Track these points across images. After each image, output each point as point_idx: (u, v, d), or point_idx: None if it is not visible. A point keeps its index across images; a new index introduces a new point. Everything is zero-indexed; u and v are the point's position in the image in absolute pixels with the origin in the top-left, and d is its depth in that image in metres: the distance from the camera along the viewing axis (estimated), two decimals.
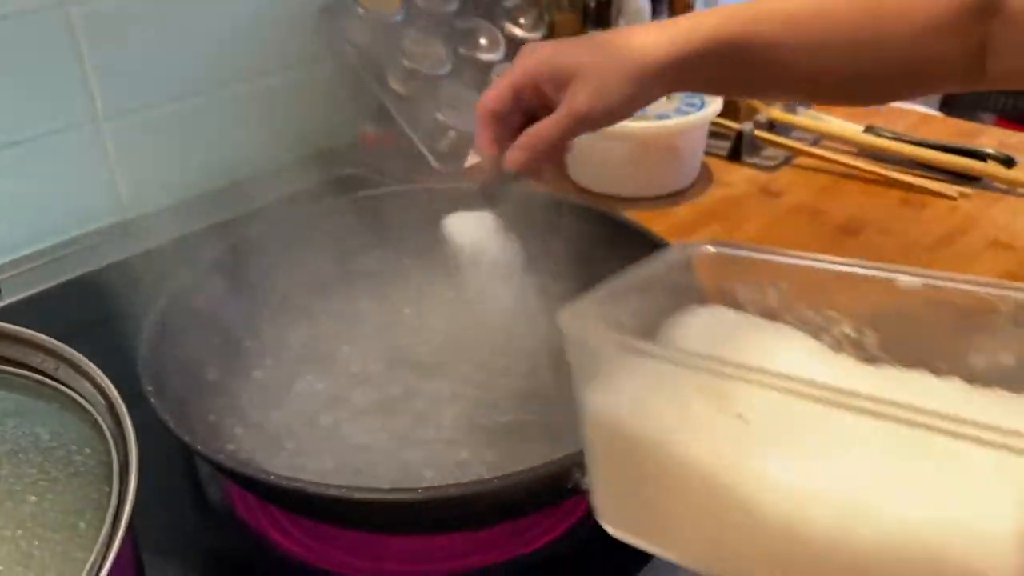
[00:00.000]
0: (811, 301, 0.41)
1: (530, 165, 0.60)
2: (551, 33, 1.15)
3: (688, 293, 0.42)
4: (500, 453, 0.59)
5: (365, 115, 1.04)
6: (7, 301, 0.81)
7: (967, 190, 0.97)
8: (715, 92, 0.73)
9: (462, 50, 1.04)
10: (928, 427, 0.29)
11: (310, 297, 0.72)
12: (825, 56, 0.58)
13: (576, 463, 0.49)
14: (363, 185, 0.93)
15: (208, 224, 0.86)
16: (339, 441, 0.61)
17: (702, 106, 0.96)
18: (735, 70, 0.60)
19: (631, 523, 0.39)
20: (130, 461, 0.37)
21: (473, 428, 0.62)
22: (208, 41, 0.94)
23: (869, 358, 0.39)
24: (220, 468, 0.52)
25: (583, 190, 0.99)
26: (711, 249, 0.43)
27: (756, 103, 1.07)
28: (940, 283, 0.38)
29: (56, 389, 0.43)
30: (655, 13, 1.20)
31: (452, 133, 0.99)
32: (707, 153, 1.03)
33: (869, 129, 1.06)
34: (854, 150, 1.05)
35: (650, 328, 0.40)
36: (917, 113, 1.19)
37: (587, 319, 0.37)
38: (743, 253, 0.42)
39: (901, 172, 1.00)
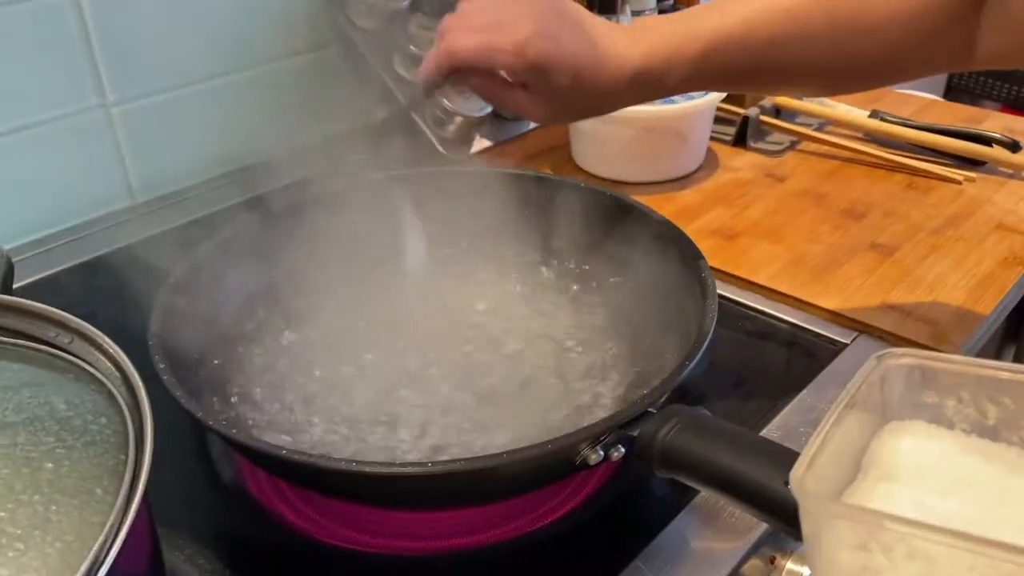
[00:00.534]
0: None
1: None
2: None
3: (884, 410, 0.38)
4: (509, 429, 0.60)
5: (372, 100, 1.05)
6: (20, 283, 0.81)
7: (972, 174, 0.97)
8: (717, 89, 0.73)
9: None
10: None
11: (320, 277, 0.72)
12: (823, 48, 0.58)
13: (583, 439, 0.50)
14: (371, 170, 0.93)
15: (218, 208, 0.87)
16: (349, 417, 0.61)
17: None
18: (736, 71, 0.60)
19: None
20: (145, 429, 0.37)
21: (482, 404, 0.62)
22: (216, 26, 0.95)
23: None
24: (231, 442, 0.53)
25: (589, 175, 0.99)
26: (910, 359, 0.38)
27: None
28: None
29: (71, 362, 0.44)
30: (659, 0, 1.20)
31: (458, 119, 0.98)
32: (713, 138, 1.03)
33: (874, 114, 1.06)
34: (859, 135, 1.05)
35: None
36: (922, 98, 1.19)
37: (821, 480, 0.33)
38: (953, 364, 0.38)
39: (906, 157, 1.00)
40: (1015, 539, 0.29)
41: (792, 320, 0.76)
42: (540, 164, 1.02)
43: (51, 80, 0.85)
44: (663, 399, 0.53)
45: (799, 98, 1.09)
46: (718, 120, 1.02)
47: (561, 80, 0.58)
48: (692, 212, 0.92)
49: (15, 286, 0.80)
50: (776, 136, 1.06)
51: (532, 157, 1.03)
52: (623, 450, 0.51)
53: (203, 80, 0.95)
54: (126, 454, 0.37)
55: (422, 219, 0.76)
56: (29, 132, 0.85)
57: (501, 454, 0.48)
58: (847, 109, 1.09)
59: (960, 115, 1.13)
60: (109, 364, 0.44)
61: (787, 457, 0.44)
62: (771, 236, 0.87)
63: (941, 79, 2.21)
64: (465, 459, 0.49)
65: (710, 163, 1.01)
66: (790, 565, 0.55)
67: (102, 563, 0.33)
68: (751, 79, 0.63)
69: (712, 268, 0.63)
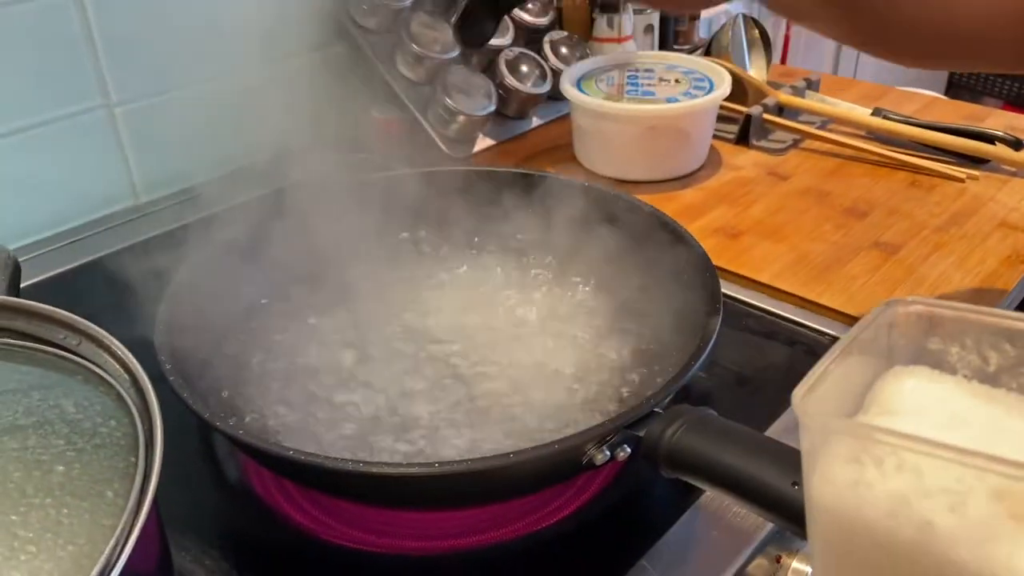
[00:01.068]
0: None
1: None
2: (560, 19, 1.15)
3: (890, 355, 0.39)
4: (514, 430, 0.60)
5: (374, 100, 1.05)
6: (26, 283, 0.81)
7: (975, 172, 0.97)
8: None
9: None
10: None
11: (326, 277, 0.73)
12: None
13: (590, 439, 0.50)
14: (374, 169, 0.93)
15: (221, 207, 0.87)
16: (356, 417, 0.61)
17: (711, 89, 0.96)
18: None
19: None
20: (155, 431, 0.37)
21: (487, 405, 0.62)
22: (218, 27, 0.94)
23: None
24: (236, 443, 0.53)
25: (592, 173, 0.99)
26: (919, 307, 0.39)
27: (764, 87, 1.08)
28: None
29: (79, 364, 0.44)
30: None
31: (461, 118, 0.99)
32: (715, 136, 1.03)
33: (877, 112, 1.06)
34: (862, 133, 1.05)
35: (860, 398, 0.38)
36: (924, 96, 1.19)
37: (822, 402, 0.34)
38: (958, 312, 0.38)
39: (909, 155, 1.00)
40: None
41: (795, 319, 0.76)
42: (543, 163, 1.02)
43: (54, 80, 0.85)
44: (669, 399, 0.53)
45: (803, 95, 1.09)
46: (721, 118, 1.02)
47: None
48: (695, 211, 0.92)
49: (21, 285, 0.80)
50: (779, 134, 1.06)
51: (534, 155, 1.03)
52: (629, 450, 0.51)
53: (205, 80, 0.95)
54: (136, 456, 0.37)
55: (424, 218, 0.76)
56: (33, 132, 0.85)
57: (508, 454, 0.49)
58: (849, 107, 1.09)
59: (962, 113, 1.13)
60: (118, 366, 0.44)
61: (793, 457, 0.44)
62: (774, 235, 0.87)
63: (942, 76, 2.22)
64: (471, 460, 0.49)
65: (713, 161, 1.01)
66: (796, 564, 0.55)
67: (113, 566, 0.33)
68: None
69: (715, 267, 0.63)
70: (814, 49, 1.85)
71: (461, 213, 0.76)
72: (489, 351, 0.67)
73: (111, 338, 0.44)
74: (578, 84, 0.99)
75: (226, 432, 0.51)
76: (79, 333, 0.45)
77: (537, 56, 1.08)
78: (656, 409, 0.51)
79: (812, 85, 1.14)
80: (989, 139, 0.99)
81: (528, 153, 1.04)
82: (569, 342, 0.69)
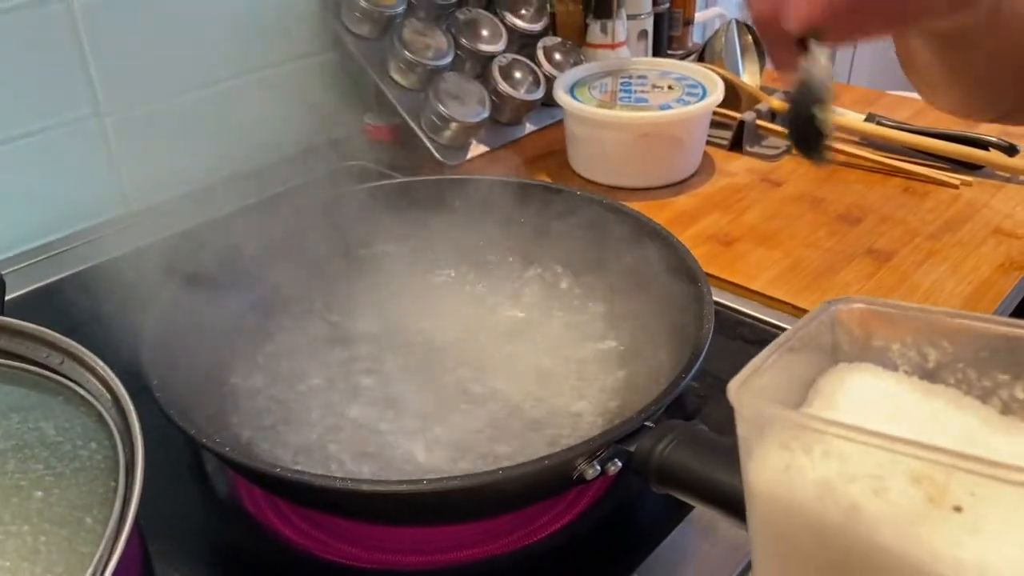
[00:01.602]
0: (977, 362, 0.38)
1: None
2: (553, 25, 1.15)
3: (834, 352, 0.41)
4: (507, 443, 0.59)
5: (367, 107, 1.04)
6: (12, 295, 0.81)
7: (969, 178, 0.97)
8: None
9: (463, 41, 1.04)
10: None
11: (316, 288, 0.72)
12: None
13: (580, 454, 0.50)
14: (366, 177, 0.93)
15: (211, 217, 0.86)
16: (346, 432, 0.61)
17: (704, 95, 0.96)
18: None
19: None
20: (136, 455, 0.37)
21: (479, 418, 0.62)
22: (209, 34, 0.94)
23: None
24: (225, 460, 0.52)
25: (585, 180, 0.99)
26: (861, 305, 0.41)
27: (757, 92, 1.07)
28: None
29: (61, 383, 0.44)
30: (655, 3, 1.20)
31: (454, 124, 0.99)
32: (708, 143, 1.02)
33: (870, 118, 1.06)
34: (856, 139, 1.05)
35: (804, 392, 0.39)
36: (918, 101, 1.18)
37: (759, 393, 0.36)
38: (898, 310, 0.40)
39: (903, 160, 0.99)
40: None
41: (788, 327, 0.76)
42: (536, 170, 1.01)
43: (44, 89, 0.84)
44: (660, 412, 0.53)
45: None
46: (714, 124, 1.02)
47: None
48: (688, 218, 0.91)
49: (8, 297, 0.79)
50: (772, 140, 1.06)
51: (528, 162, 1.03)
52: (619, 464, 0.50)
53: (196, 88, 0.95)
54: (116, 481, 0.37)
55: (416, 227, 0.76)
56: (23, 141, 0.85)
57: (497, 470, 0.48)
58: (842, 112, 1.08)
59: (956, 118, 1.12)
60: (100, 386, 0.43)
61: None
62: (767, 242, 0.87)
63: None
64: (461, 476, 0.49)
65: (706, 168, 1.01)
66: None
67: None
68: None
69: (708, 274, 0.63)
70: None
71: (448, 223, 0.76)
72: (477, 362, 0.67)
73: (94, 357, 0.44)
74: (571, 91, 0.98)
75: (214, 450, 0.50)
76: (62, 352, 0.45)
77: (530, 62, 1.07)
78: (647, 423, 0.51)
79: None
80: (983, 145, 0.99)
81: (522, 160, 1.04)
82: (557, 353, 0.68)
